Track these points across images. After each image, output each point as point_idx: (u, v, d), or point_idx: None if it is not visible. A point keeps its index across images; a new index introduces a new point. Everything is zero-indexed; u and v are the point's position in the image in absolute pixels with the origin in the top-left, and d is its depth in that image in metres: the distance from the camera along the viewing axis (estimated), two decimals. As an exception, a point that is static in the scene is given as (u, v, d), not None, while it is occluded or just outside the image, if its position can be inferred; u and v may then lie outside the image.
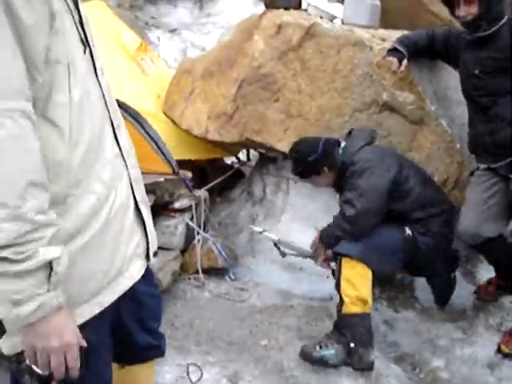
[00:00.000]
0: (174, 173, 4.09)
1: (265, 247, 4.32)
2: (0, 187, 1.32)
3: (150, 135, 4.17)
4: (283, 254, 3.81)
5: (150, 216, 1.83)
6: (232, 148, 5.00)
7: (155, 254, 1.87)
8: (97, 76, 1.62)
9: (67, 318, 1.46)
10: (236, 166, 5.32)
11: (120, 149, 1.68)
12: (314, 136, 3.78)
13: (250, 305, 3.84)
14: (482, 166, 3.43)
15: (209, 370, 3.12)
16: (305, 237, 4.19)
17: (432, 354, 3.58)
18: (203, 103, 4.45)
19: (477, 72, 3.29)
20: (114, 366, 1.98)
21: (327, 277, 3.87)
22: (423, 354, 3.58)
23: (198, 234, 4.11)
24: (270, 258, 4.23)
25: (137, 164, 1.78)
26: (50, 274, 1.38)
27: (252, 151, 5.34)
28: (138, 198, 1.74)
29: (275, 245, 3.79)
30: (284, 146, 4.14)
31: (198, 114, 4.47)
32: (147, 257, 1.83)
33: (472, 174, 3.55)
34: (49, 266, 1.38)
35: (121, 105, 4.12)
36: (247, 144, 4.56)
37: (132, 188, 1.72)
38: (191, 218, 4.13)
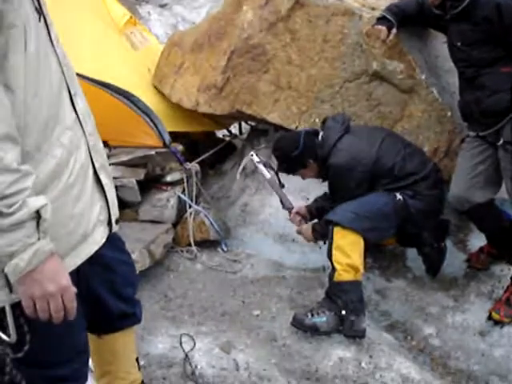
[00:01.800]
0: (165, 146, 4.08)
1: (257, 219, 4.34)
2: None
3: (142, 110, 4.16)
4: (270, 182, 3.82)
5: (112, 184, 1.85)
6: (223, 121, 4.99)
7: (117, 221, 1.88)
8: (52, 44, 1.63)
9: (59, 262, 1.51)
10: (227, 139, 5.30)
11: (77, 116, 1.69)
12: (292, 131, 3.86)
13: (243, 276, 3.86)
14: (472, 133, 3.44)
15: (202, 339, 3.14)
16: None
17: (424, 321, 3.61)
18: (193, 76, 4.43)
19: (459, 44, 3.32)
20: (92, 336, 2.00)
21: (320, 247, 3.88)
22: (415, 322, 3.61)
23: (190, 206, 4.11)
24: (262, 230, 4.25)
25: (95, 132, 1.79)
26: (37, 222, 1.42)
27: (244, 124, 5.33)
28: (96, 165, 1.75)
29: (265, 165, 3.81)
30: (275, 118, 4.14)
31: (188, 87, 4.45)
32: (110, 224, 1.84)
33: (463, 141, 3.55)
34: (36, 215, 1.42)
35: (108, 85, 4.14)
36: (238, 116, 4.55)
37: (90, 155, 1.73)
38: (183, 192, 4.14)
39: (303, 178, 3.74)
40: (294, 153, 3.51)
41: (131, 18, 5.19)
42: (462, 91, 3.48)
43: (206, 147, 5.05)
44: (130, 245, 3.56)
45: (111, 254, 1.92)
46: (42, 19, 1.56)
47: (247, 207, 4.43)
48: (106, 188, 1.79)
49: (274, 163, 3.78)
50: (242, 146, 4.97)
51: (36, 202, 1.42)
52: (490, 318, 3.50)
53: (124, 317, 2.13)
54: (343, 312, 3.21)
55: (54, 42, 1.63)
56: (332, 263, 3.27)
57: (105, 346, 2.16)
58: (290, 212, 3.81)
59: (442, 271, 3.87)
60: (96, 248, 1.76)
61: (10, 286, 1.48)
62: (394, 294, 3.81)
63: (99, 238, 1.77)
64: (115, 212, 1.87)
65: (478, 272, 3.82)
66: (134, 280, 2.20)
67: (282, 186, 3.82)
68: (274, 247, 4.16)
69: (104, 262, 1.88)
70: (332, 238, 3.28)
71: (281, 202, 3.86)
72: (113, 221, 1.85)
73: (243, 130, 5.38)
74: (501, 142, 3.25)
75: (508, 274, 3.59)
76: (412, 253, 3.95)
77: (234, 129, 5.48)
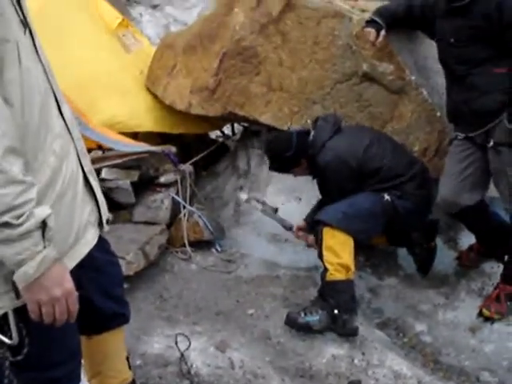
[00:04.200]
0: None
1: (250, 219, 4.38)
2: None
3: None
4: (264, 212, 3.98)
5: (99, 187, 1.91)
6: (216, 122, 5.02)
7: (108, 221, 1.95)
8: (37, 53, 1.66)
9: (63, 267, 1.58)
10: (220, 140, 5.34)
11: (65, 122, 1.74)
12: (284, 131, 3.92)
13: (237, 276, 3.90)
14: (460, 135, 3.47)
15: (197, 339, 3.18)
16: (290, 208, 4.28)
17: (415, 319, 3.67)
18: (185, 78, 4.47)
19: (452, 41, 3.30)
20: (83, 338, 2.04)
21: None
22: (406, 320, 3.67)
23: (184, 207, 4.15)
24: (255, 230, 4.29)
25: (81, 137, 1.84)
26: (43, 231, 1.47)
27: (237, 125, 5.37)
28: (86, 169, 1.81)
29: (258, 201, 3.99)
30: (267, 119, 4.18)
31: (181, 89, 4.48)
32: (100, 225, 1.90)
33: (450, 143, 3.59)
34: (41, 224, 1.47)
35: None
36: (231, 118, 4.58)
37: (79, 160, 1.79)
38: (177, 193, 4.17)
39: (295, 175, 3.80)
40: (287, 153, 3.57)
41: (123, 20, 5.21)
42: (450, 91, 3.49)
43: (199, 149, 5.09)
44: (125, 246, 3.65)
45: (99, 255, 1.97)
46: (27, 31, 1.60)
47: (240, 208, 4.48)
48: (95, 190, 1.85)
49: (266, 163, 3.85)
50: (234, 147, 5.01)
51: (42, 212, 1.47)
52: (480, 314, 3.56)
53: (114, 317, 2.18)
54: (336, 311, 3.25)
55: (39, 51, 1.67)
56: (323, 263, 3.32)
57: (95, 347, 2.20)
58: (292, 231, 3.90)
59: (432, 269, 3.93)
60: (88, 249, 1.81)
61: (16, 292, 1.52)
62: (385, 292, 3.87)
63: (91, 239, 1.83)
64: (105, 212, 1.92)
65: (469, 270, 3.88)
66: (122, 280, 2.27)
67: (276, 210, 3.96)
68: (267, 247, 4.20)
69: (93, 262, 1.91)
70: (322, 239, 3.33)
71: (281, 225, 3.96)
72: (104, 221, 1.90)
73: (236, 131, 5.42)
74: (491, 143, 3.26)
75: (498, 272, 3.65)
76: (403, 251, 4.01)
77: (227, 130, 5.52)
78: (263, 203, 4.01)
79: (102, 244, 2.00)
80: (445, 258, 3.99)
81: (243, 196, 4.05)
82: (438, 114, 3.82)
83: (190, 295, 3.66)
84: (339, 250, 3.29)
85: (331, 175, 3.48)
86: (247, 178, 4.63)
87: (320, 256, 3.35)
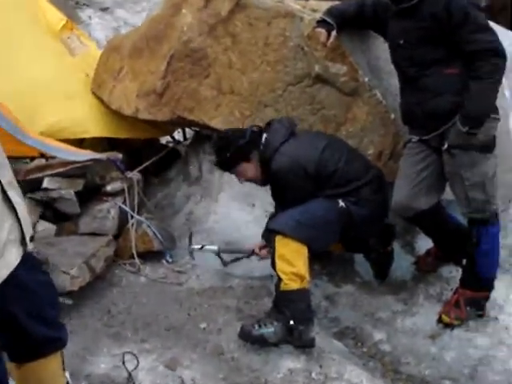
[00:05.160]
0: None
1: (202, 228, 4.22)
2: None
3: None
4: (225, 264, 3.85)
5: (23, 201, 1.77)
6: (166, 127, 4.86)
7: (32, 238, 1.79)
8: None
9: None
10: (171, 145, 5.17)
11: None
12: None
13: (189, 288, 3.73)
14: (414, 137, 3.38)
15: (145, 357, 3.02)
16: (243, 215, 4.15)
17: (373, 327, 3.58)
18: (132, 82, 4.30)
19: (402, 42, 3.23)
20: (12, 365, 1.87)
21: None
22: (365, 328, 3.58)
23: (132, 217, 3.96)
24: (207, 238, 4.13)
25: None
26: None
27: (188, 130, 5.20)
28: (3, 181, 1.67)
29: (217, 255, 3.83)
30: (218, 124, 4.04)
31: (128, 93, 4.31)
32: (23, 243, 1.72)
33: (405, 146, 3.51)
34: None
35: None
36: (180, 122, 4.43)
37: None
38: (124, 202, 3.99)
39: (240, 176, 3.59)
40: (240, 142, 3.40)
41: (67, 22, 5.00)
42: (403, 93, 3.41)
43: (149, 154, 4.91)
44: (69, 260, 3.47)
45: (28, 275, 1.81)
46: None
47: (192, 216, 4.32)
48: (16, 206, 1.67)
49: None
50: (185, 153, 4.85)
51: None
52: (439, 320, 3.49)
53: (48, 341, 2.00)
54: (291, 322, 3.12)
55: None
56: (277, 273, 3.18)
57: (29, 374, 2.02)
58: (255, 254, 3.76)
59: (390, 275, 3.86)
60: (10, 270, 1.65)
61: None
62: (343, 300, 3.76)
63: (13, 259, 1.66)
64: (29, 230, 1.77)
65: (427, 275, 3.81)
66: (56, 302, 2.08)
67: (226, 264, 3.87)
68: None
69: (21, 283, 1.76)
70: (274, 247, 3.20)
71: (242, 257, 3.83)
72: (27, 239, 1.72)
73: (188, 136, 5.25)
74: (445, 146, 3.19)
75: (456, 276, 3.59)
76: (360, 257, 3.92)
77: (178, 135, 5.35)
78: (220, 251, 3.86)
79: (31, 262, 1.84)
80: (402, 263, 3.92)
81: (196, 246, 3.88)
82: (392, 116, 3.72)
83: (138, 310, 3.47)
84: (292, 258, 3.16)
85: (285, 180, 3.33)
86: (199, 184, 4.48)
87: (273, 265, 3.22)
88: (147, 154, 4.95)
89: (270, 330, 3.11)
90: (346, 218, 3.32)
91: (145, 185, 4.54)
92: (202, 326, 3.35)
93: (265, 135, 3.43)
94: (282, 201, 3.44)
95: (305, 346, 3.13)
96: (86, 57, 4.98)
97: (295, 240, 3.17)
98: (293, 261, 3.16)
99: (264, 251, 3.67)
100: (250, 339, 3.14)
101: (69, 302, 3.37)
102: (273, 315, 3.19)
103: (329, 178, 3.34)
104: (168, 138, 5.32)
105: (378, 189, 3.43)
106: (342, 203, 3.32)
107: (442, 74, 3.17)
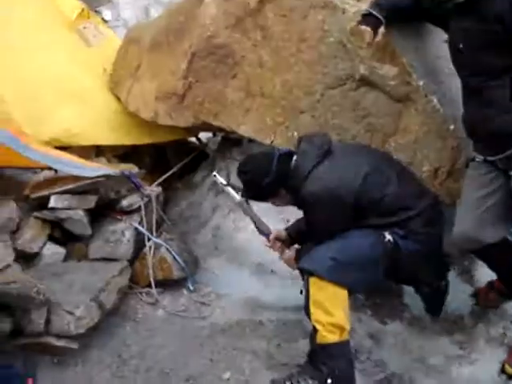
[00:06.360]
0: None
1: (230, 246, 3.78)
2: None
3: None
4: (242, 206, 3.28)
5: None
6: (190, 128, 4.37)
7: None
8: None
9: None
10: (199, 145, 4.71)
11: None
12: (263, 151, 3.25)
13: (212, 323, 3.32)
14: (479, 157, 2.83)
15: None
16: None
17: (425, 375, 3.08)
18: (150, 81, 3.85)
19: (461, 46, 2.68)
20: None
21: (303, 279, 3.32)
22: (414, 376, 3.07)
23: (149, 239, 3.51)
24: (236, 259, 3.70)
25: None
26: None
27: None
28: None
29: (233, 187, 3.35)
30: (247, 131, 3.60)
31: (146, 94, 3.88)
32: None
33: (467, 165, 2.94)
34: None
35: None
36: (205, 128, 3.95)
37: None
38: (141, 221, 3.54)
39: (275, 205, 3.15)
40: (264, 181, 2.92)
41: (83, 10, 4.56)
42: (466, 104, 2.85)
43: (176, 155, 4.49)
44: (75, 297, 3.04)
45: None
46: None
47: (219, 231, 3.88)
48: None
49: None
50: (212, 158, 4.38)
51: None
52: (502, 370, 2.96)
53: None
54: (329, 380, 2.67)
55: None
56: (312, 322, 2.71)
57: None
58: (267, 238, 3.25)
59: (444, 308, 3.32)
60: None
61: None
62: (389, 340, 3.27)
63: None
64: None
65: (487, 310, 3.28)
66: None
67: (243, 207, 3.29)
68: (249, 281, 3.63)
69: None
70: (308, 291, 2.72)
71: (256, 226, 3.29)
72: None
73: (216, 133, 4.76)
74: None
75: (523, 316, 3.06)
76: (409, 288, 3.39)
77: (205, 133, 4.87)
78: (239, 189, 3.28)
79: None
80: (459, 295, 3.38)
81: (219, 180, 3.34)
82: (452, 126, 3.15)
83: (154, 354, 3.07)
84: (330, 306, 2.68)
85: (318, 211, 2.82)
86: (227, 194, 4.00)
87: (307, 312, 2.74)
88: (174, 154, 4.54)
89: (303, 389, 2.67)
90: (394, 254, 2.79)
91: (167, 190, 4.11)
92: (226, 376, 2.93)
93: (294, 159, 2.91)
94: (315, 231, 2.92)
95: (344, 408, 2.68)
96: (105, 48, 4.55)
97: (333, 284, 2.68)
98: (331, 309, 2.68)
99: (277, 244, 3.21)
100: (281, 400, 2.70)
101: (74, 346, 2.97)
102: (308, 371, 2.75)
103: (373, 207, 2.80)
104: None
105: (432, 220, 2.87)
106: (388, 236, 2.78)
107: (510, 86, 2.61)
